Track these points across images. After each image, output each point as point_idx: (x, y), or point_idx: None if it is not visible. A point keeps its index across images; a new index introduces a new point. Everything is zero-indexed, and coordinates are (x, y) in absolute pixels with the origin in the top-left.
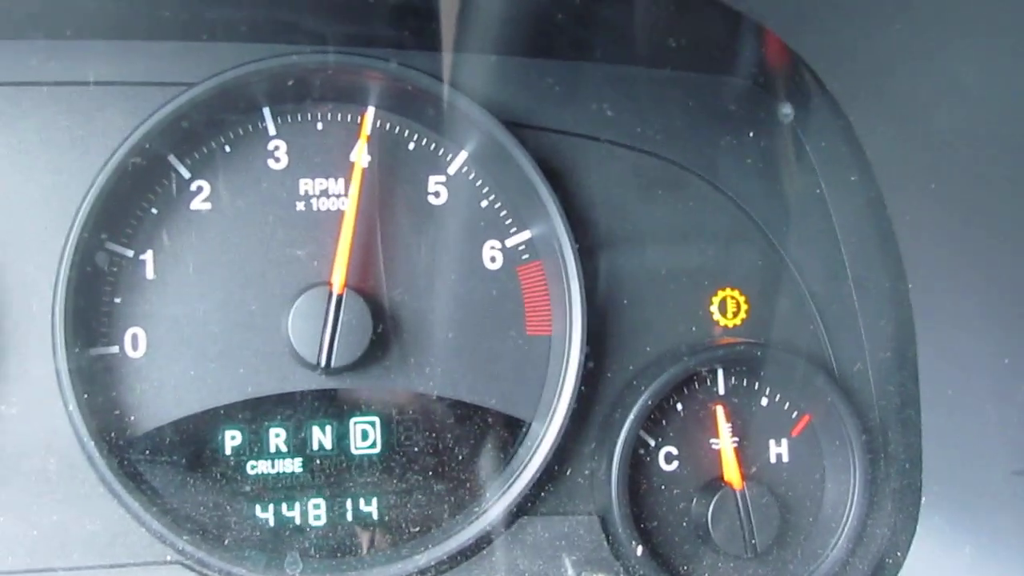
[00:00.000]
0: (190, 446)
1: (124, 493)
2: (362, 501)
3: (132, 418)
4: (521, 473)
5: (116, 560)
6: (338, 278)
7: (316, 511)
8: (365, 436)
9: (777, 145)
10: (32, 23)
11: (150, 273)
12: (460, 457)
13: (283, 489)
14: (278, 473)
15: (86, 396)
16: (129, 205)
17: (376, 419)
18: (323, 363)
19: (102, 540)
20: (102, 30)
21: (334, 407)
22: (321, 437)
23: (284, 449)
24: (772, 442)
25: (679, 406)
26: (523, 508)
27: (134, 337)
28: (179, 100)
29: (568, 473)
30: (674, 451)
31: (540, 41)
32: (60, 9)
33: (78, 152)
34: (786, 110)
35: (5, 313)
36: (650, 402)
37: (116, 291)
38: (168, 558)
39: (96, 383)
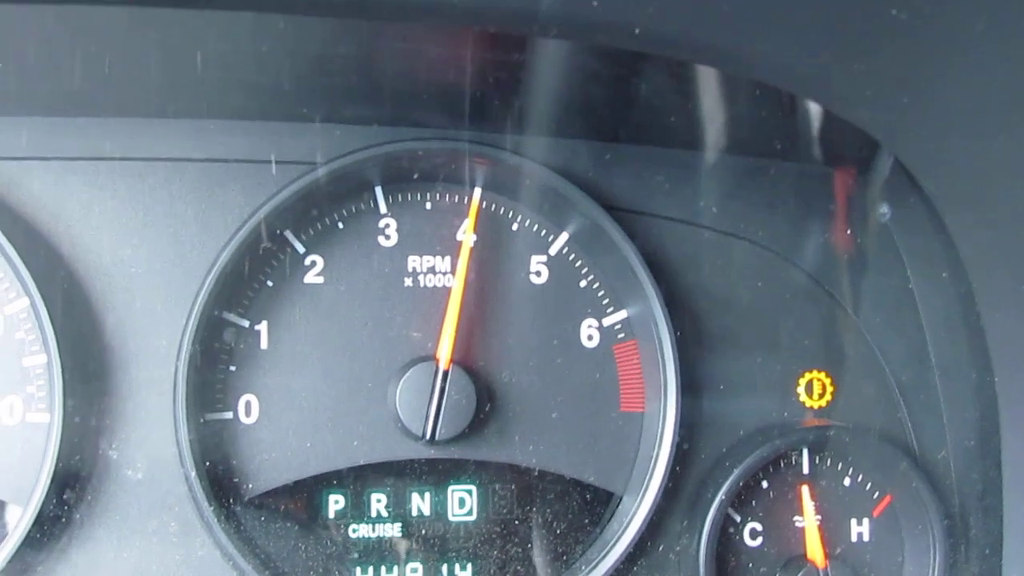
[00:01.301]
0: (297, 510)
1: (239, 557)
2: (458, 567)
3: (244, 482)
4: (613, 546)
5: None
6: (444, 353)
7: (413, 574)
8: (462, 503)
9: (871, 239)
10: (158, 102)
11: (264, 343)
12: (553, 527)
13: (383, 553)
14: (379, 537)
15: (206, 463)
16: (247, 278)
17: (473, 487)
18: (428, 435)
19: None
20: (223, 111)
21: (434, 475)
22: (420, 503)
23: (384, 514)
24: (854, 521)
25: (764, 484)
26: None
27: (247, 404)
28: (302, 181)
29: (659, 548)
30: (759, 527)
31: (642, 129)
32: (185, 90)
33: (200, 226)
34: (883, 209)
35: (127, 379)
36: (740, 482)
37: (232, 360)
38: None
39: (211, 448)
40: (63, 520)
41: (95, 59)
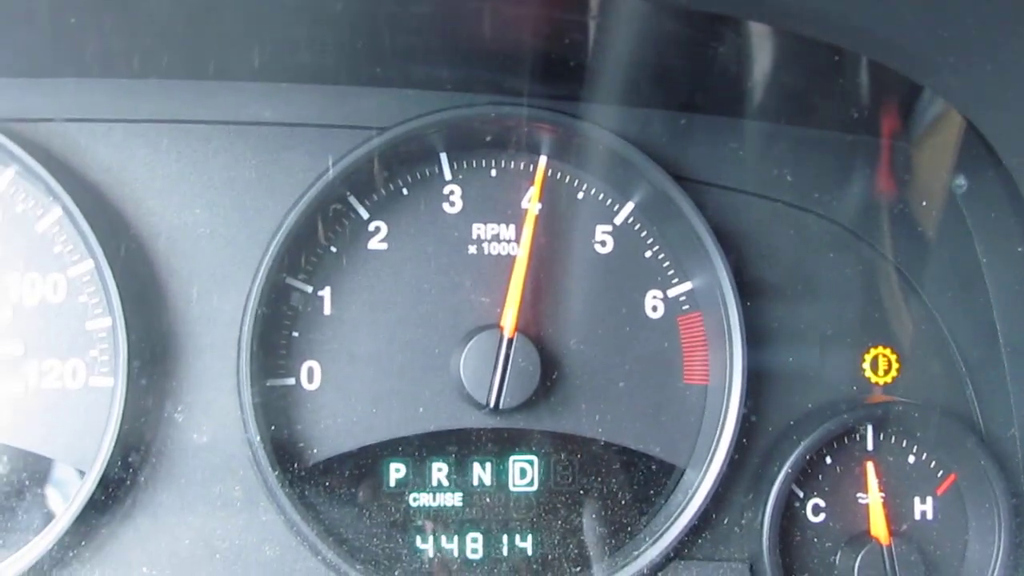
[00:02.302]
0: (358, 477)
1: (301, 523)
2: (518, 537)
3: (307, 448)
4: (677, 518)
5: None
6: (509, 321)
7: (474, 544)
8: (523, 474)
9: (943, 213)
10: (223, 65)
11: (327, 309)
12: (615, 499)
13: (443, 521)
14: (439, 506)
15: (270, 429)
16: (310, 243)
17: (534, 458)
18: (492, 404)
19: (278, 568)
20: (289, 74)
21: (495, 444)
22: (481, 473)
23: (445, 483)
24: (917, 499)
25: (828, 459)
26: (677, 552)
27: (310, 370)
28: (368, 145)
29: (723, 521)
30: (822, 503)
31: (713, 99)
32: (250, 53)
33: (264, 190)
34: (960, 181)
35: (191, 344)
36: (805, 456)
37: (295, 325)
38: None
39: (274, 414)
40: (127, 483)
41: (160, 21)
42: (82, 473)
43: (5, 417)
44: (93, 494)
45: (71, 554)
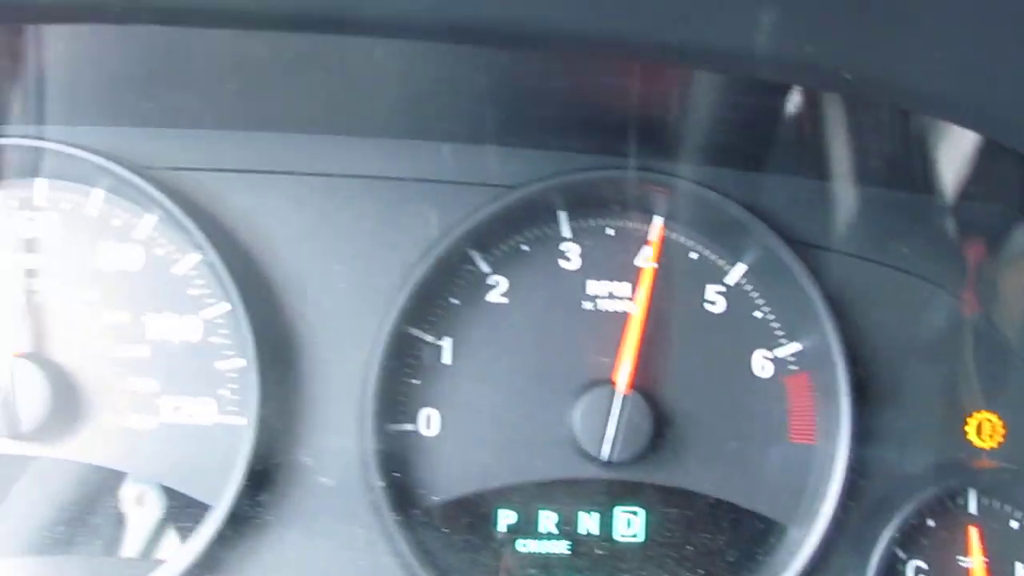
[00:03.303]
0: (470, 523)
1: (419, 567)
2: None
3: (424, 493)
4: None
5: None
6: (623, 377)
7: None
8: (629, 524)
9: None
10: (355, 122)
11: (447, 359)
12: (719, 553)
13: (550, 568)
14: (547, 553)
15: (396, 473)
16: (433, 295)
17: (640, 510)
18: (605, 457)
19: None
20: (417, 132)
21: (603, 495)
22: (588, 522)
23: (553, 531)
24: (1020, 565)
25: (931, 522)
26: None
27: (428, 417)
28: (492, 204)
29: None
30: (923, 566)
31: (828, 166)
32: (381, 112)
33: (390, 243)
34: None
35: (317, 388)
36: (913, 519)
37: (415, 374)
38: None
39: (393, 459)
40: (255, 521)
41: (299, 81)
42: (207, 507)
43: (138, 449)
44: (222, 529)
45: None
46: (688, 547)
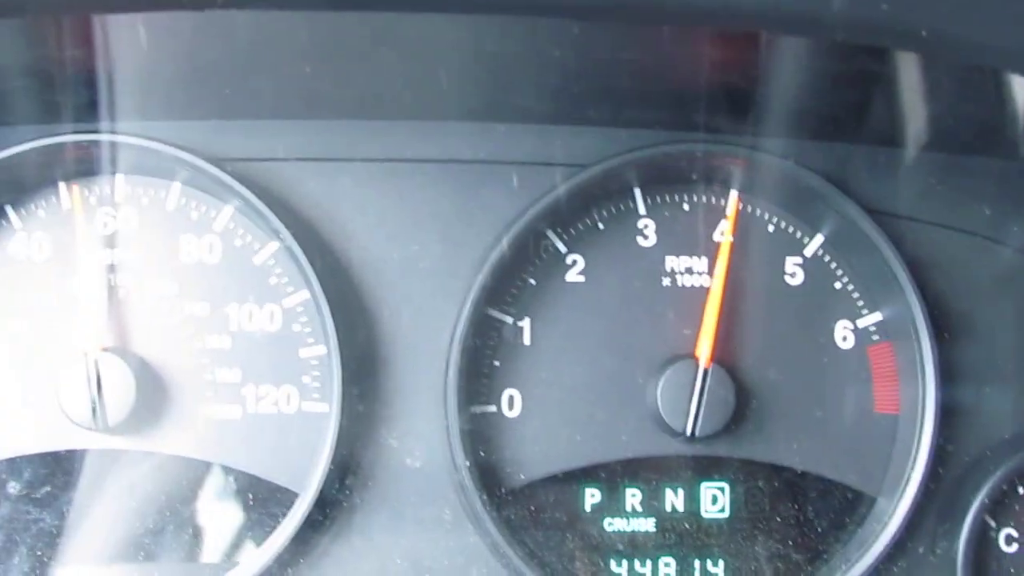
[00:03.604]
0: (555, 502)
1: (506, 546)
2: (710, 562)
3: (509, 473)
4: (871, 547)
5: None
6: (705, 352)
7: (667, 569)
8: (715, 500)
9: None
10: (426, 106)
11: (527, 339)
12: (807, 526)
13: (636, 546)
14: (632, 531)
15: (481, 453)
16: (511, 276)
17: (726, 485)
18: (689, 432)
19: None
20: (489, 114)
21: (687, 471)
22: (673, 499)
23: (639, 508)
24: None
25: (1021, 489)
26: None
27: (510, 398)
28: (568, 183)
29: (918, 550)
30: (1015, 534)
31: (905, 133)
32: (453, 95)
33: (467, 225)
34: None
35: (399, 372)
36: (1000, 486)
37: (496, 355)
38: None
39: (478, 440)
40: (343, 504)
41: (370, 67)
42: (295, 494)
43: (224, 439)
44: (310, 513)
45: (289, 570)
46: (776, 521)
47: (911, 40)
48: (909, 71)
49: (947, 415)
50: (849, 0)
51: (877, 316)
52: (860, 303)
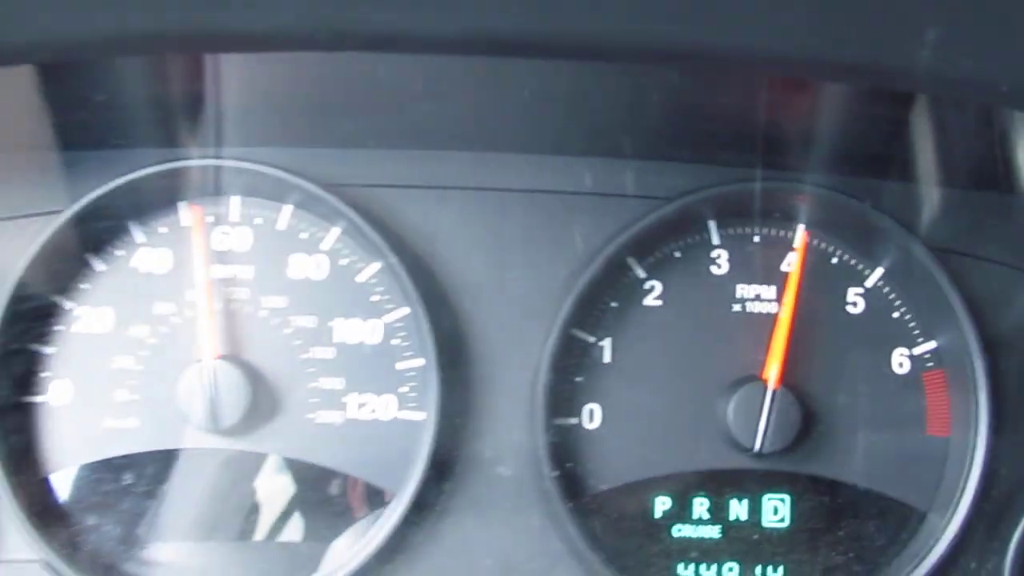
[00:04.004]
0: (629, 509)
1: (588, 552)
2: (770, 568)
3: (588, 483)
4: (923, 559)
5: None
6: (773, 374)
7: (730, 573)
8: (776, 511)
9: None
10: (520, 140)
11: (607, 358)
12: (860, 538)
13: (703, 552)
14: (699, 537)
15: (566, 464)
16: (594, 300)
17: (787, 497)
18: (757, 448)
19: None
20: (577, 149)
21: (751, 484)
22: (738, 509)
23: (705, 517)
24: None
25: None
26: None
27: (591, 411)
28: (653, 216)
29: (970, 565)
30: None
31: (965, 173)
32: (545, 130)
33: (553, 252)
34: None
35: (490, 386)
36: None
37: (578, 372)
38: None
39: (561, 451)
40: (437, 508)
41: (468, 104)
42: (392, 495)
43: (326, 443)
44: (407, 515)
45: (386, 567)
46: (832, 531)
47: (991, 94)
48: (964, 118)
49: (997, 438)
50: (935, 57)
51: (932, 344)
52: (916, 332)
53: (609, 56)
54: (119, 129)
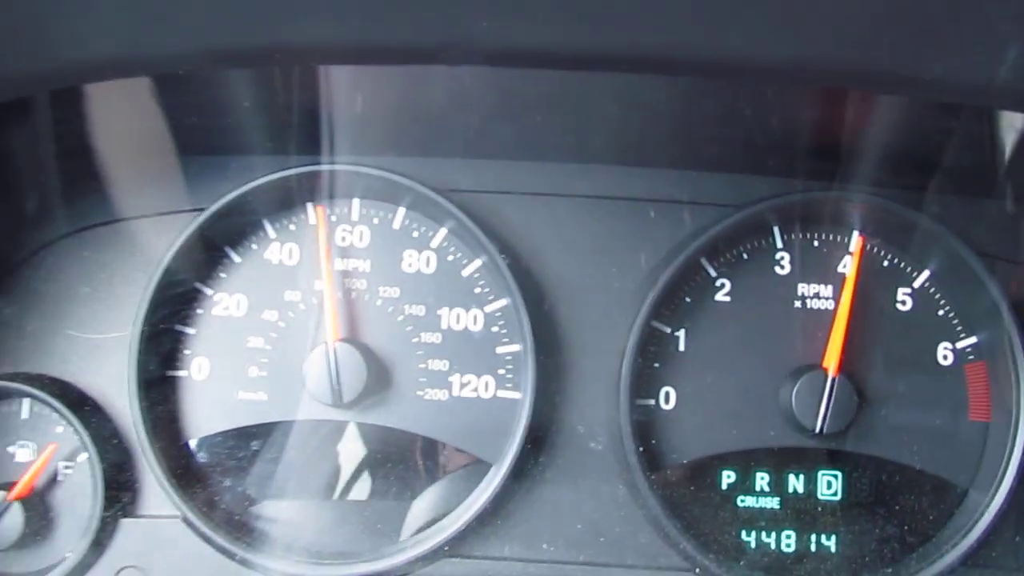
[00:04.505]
0: (699, 481)
1: (664, 518)
2: (823, 536)
3: (665, 456)
4: (968, 531)
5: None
6: (833, 363)
7: (787, 540)
8: (830, 485)
9: None
10: (605, 151)
11: (682, 347)
12: (908, 510)
13: (763, 520)
14: (760, 508)
15: (650, 440)
16: (672, 295)
17: (839, 473)
18: (818, 430)
19: (648, 553)
20: (657, 160)
21: (807, 460)
22: (795, 482)
23: (766, 489)
24: None
25: None
26: (969, 560)
27: (667, 393)
28: (725, 222)
29: (1015, 538)
30: None
31: (1006, 185)
32: (629, 143)
33: (636, 252)
34: None
35: (581, 370)
36: None
37: (656, 358)
38: (696, 571)
39: (642, 428)
40: (534, 476)
41: (559, 119)
42: (490, 465)
43: (434, 417)
44: (505, 482)
45: (486, 528)
46: (881, 505)
47: None
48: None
49: None
50: (1014, 73)
51: (973, 339)
52: (959, 328)
53: (714, 72)
54: (255, 137)
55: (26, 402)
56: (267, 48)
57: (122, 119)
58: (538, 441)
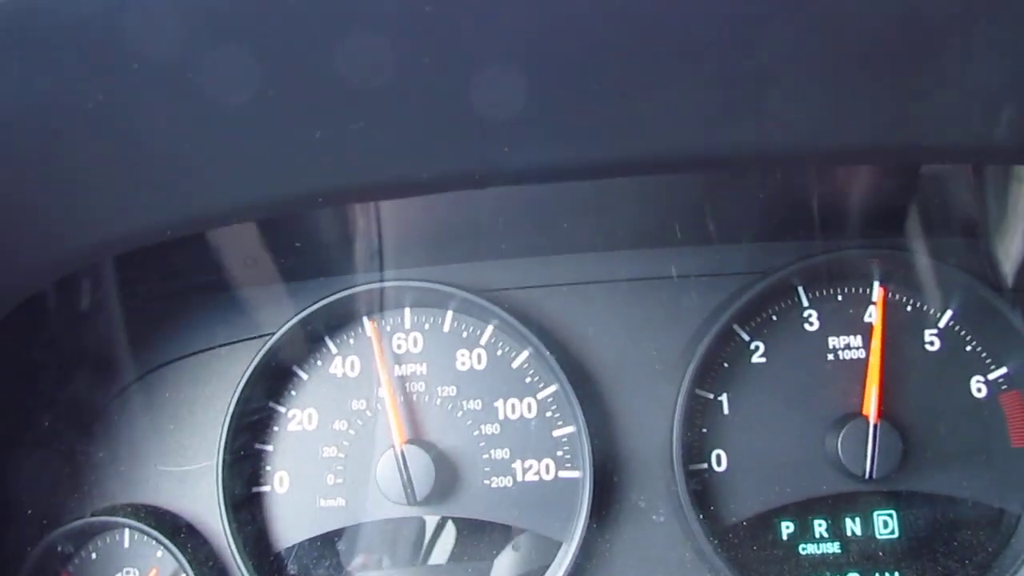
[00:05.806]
0: (760, 535)
1: (725, 569)
2: (887, 574)
3: (723, 517)
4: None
5: None
6: (872, 410)
7: None
8: (886, 525)
9: None
10: (632, 238)
11: (726, 410)
12: (963, 542)
13: (827, 566)
14: (822, 553)
15: (710, 506)
16: (711, 363)
17: (894, 511)
18: (867, 474)
19: None
20: (682, 240)
21: (861, 503)
22: (852, 525)
23: (825, 535)
24: None
25: None
26: None
27: (718, 456)
28: (754, 289)
29: None
30: None
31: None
32: (652, 229)
33: (672, 327)
34: None
35: (633, 444)
36: None
37: (703, 424)
38: None
39: (699, 494)
40: (601, 552)
41: (591, 219)
42: (559, 543)
43: (502, 503)
44: (576, 560)
45: None
46: (938, 539)
47: None
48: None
49: None
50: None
51: (1004, 370)
52: (988, 361)
53: (738, 166)
54: (311, 264)
55: (127, 532)
56: (311, 196)
57: (188, 267)
58: (603, 518)
